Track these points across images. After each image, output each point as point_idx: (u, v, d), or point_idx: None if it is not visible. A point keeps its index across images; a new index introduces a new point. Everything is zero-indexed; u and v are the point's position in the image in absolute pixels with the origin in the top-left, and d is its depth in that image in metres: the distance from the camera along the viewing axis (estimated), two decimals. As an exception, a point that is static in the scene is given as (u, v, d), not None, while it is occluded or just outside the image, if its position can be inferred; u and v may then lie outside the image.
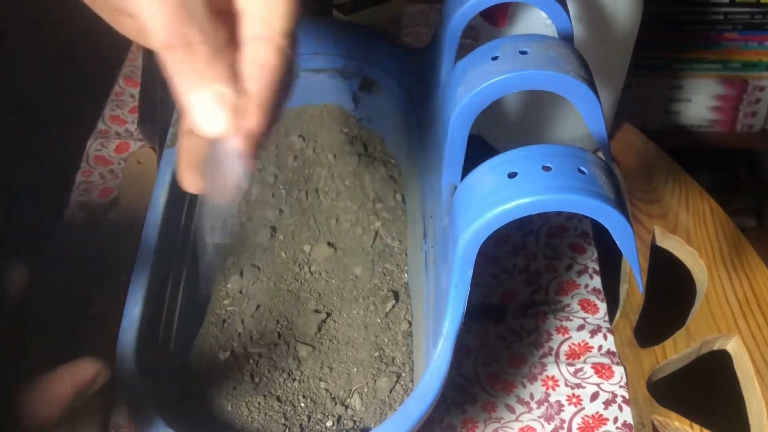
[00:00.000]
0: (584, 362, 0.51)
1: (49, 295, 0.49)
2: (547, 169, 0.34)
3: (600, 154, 0.48)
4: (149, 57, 0.60)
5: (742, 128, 1.19)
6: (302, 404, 0.45)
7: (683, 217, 0.61)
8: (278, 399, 0.45)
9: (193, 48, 0.28)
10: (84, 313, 0.51)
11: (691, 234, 0.60)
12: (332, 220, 0.55)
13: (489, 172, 0.35)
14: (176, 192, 0.49)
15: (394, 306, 0.49)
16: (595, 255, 0.58)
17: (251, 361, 0.47)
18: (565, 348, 0.52)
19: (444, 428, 0.48)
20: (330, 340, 0.48)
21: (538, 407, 0.49)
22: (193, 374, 0.46)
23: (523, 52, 0.38)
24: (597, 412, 0.48)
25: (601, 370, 0.51)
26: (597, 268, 0.57)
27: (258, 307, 0.50)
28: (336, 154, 0.59)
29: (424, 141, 0.51)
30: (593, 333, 0.53)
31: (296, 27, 0.30)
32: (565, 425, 0.48)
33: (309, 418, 0.44)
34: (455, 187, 0.41)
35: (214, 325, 0.49)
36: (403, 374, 0.46)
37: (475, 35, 0.76)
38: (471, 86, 0.38)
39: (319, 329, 0.48)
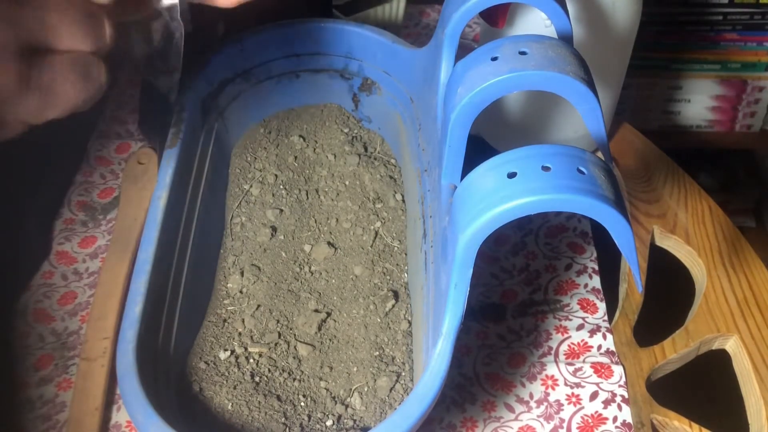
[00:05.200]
0: (583, 362, 0.51)
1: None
2: (546, 169, 0.34)
3: (599, 154, 0.48)
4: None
5: (741, 128, 1.19)
6: (302, 403, 0.45)
7: (682, 217, 0.61)
8: (278, 398, 0.45)
9: None
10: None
11: (690, 234, 0.60)
12: (332, 220, 0.55)
13: (488, 172, 0.35)
14: (177, 192, 0.49)
15: (393, 305, 0.50)
16: (595, 255, 0.58)
17: (251, 360, 0.47)
18: (564, 347, 0.52)
19: (444, 427, 0.48)
20: (330, 340, 0.48)
21: (538, 406, 0.49)
22: (193, 374, 0.46)
23: (522, 53, 0.38)
24: (596, 412, 0.49)
25: (600, 369, 0.51)
26: (596, 268, 0.57)
27: (258, 306, 0.50)
28: (336, 154, 0.59)
29: (424, 141, 0.51)
30: (592, 332, 0.53)
31: None
32: (565, 424, 0.48)
33: (309, 417, 0.44)
34: (455, 187, 0.41)
35: (214, 325, 0.49)
36: (403, 373, 0.46)
37: (475, 35, 0.76)
38: (471, 86, 0.38)
39: (319, 329, 0.49)
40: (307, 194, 0.57)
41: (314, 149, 0.60)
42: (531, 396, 0.49)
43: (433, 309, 0.42)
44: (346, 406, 0.45)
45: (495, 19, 0.54)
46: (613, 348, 0.52)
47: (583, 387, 0.50)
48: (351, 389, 0.46)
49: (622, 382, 0.50)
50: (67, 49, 0.35)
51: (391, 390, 0.45)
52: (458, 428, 0.48)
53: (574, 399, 0.49)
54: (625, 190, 0.64)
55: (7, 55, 0.32)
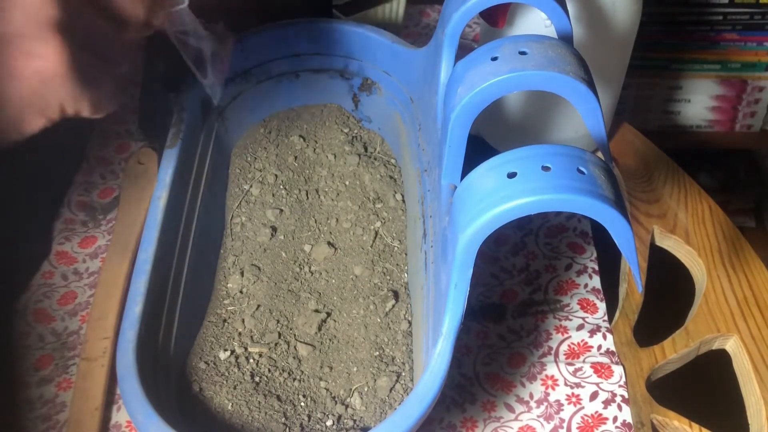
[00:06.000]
0: (583, 362, 0.51)
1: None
2: (546, 169, 0.34)
3: (599, 154, 0.48)
4: (149, 58, 0.60)
5: (741, 128, 1.19)
6: (302, 403, 0.45)
7: (682, 217, 0.61)
8: (278, 398, 0.45)
9: None
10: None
11: (690, 234, 0.60)
12: (332, 220, 0.55)
13: (489, 172, 0.35)
14: (177, 192, 0.49)
15: (394, 305, 0.50)
16: (595, 255, 0.58)
17: (251, 360, 0.47)
18: (564, 347, 0.52)
19: (444, 427, 0.48)
20: (330, 340, 0.48)
21: (538, 406, 0.49)
22: (193, 374, 0.46)
23: (522, 53, 0.38)
24: (596, 412, 0.49)
25: (600, 369, 0.51)
26: (596, 268, 0.57)
27: (258, 306, 0.50)
28: (336, 154, 0.59)
29: (424, 141, 0.51)
30: (592, 332, 0.53)
31: None
32: (565, 424, 0.48)
33: (309, 417, 0.44)
34: (455, 187, 0.41)
35: (214, 325, 0.49)
36: (403, 373, 0.46)
37: (475, 35, 0.76)
38: (471, 86, 0.38)
39: (319, 329, 0.49)
40: (307, 194, 0.57)
41: (314, 149, 0.60)
42: (531, 396, 0.49)
43: (433, 309, 0.42)
44: (346, 406, 0.45)
45: (495, 19, 0.54)
46: (613, 348, 0.52)
47: (583, 387, 0.50)
48: (351, 389, 0.46)
49: (622, 382, 0.50)
50: (105, 54, 0.36)
51: (391, 390, 0.45)
52: (458, 428, 0.48)
53: (574, 399, 0.49)
54: (625, 190, 0.64)
55: (55, 34, 0.33)
